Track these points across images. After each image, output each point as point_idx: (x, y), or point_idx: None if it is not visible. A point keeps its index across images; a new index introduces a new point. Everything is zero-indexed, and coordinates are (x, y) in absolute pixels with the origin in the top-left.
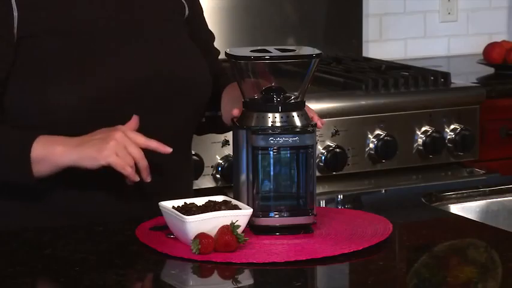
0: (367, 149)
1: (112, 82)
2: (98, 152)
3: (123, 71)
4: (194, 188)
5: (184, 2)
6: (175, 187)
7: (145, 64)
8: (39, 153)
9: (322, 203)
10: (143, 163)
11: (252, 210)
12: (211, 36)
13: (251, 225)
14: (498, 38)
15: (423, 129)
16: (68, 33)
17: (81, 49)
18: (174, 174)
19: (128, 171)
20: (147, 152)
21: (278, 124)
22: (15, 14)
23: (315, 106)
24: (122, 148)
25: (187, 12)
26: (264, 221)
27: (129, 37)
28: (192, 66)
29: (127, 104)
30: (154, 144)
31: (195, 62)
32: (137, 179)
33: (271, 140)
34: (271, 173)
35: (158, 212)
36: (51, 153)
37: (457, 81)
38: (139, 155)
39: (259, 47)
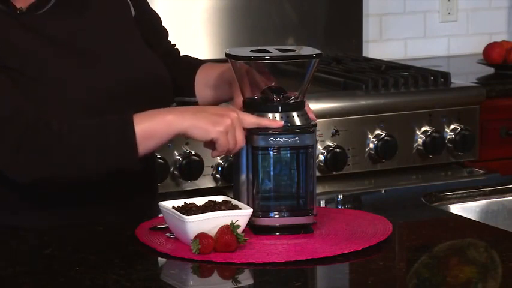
0: (367, 149)
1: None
2: (213, 125)
3: (104, 77)
4: (194, 188)
5: (129, 1)
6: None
7: (124, 69)
8: (146, 128)
9: (322, 203)
10: (241, 147)
11: (252, 210)
12: (157, 18)
13: (251, 225)
14: (498, 38)
15: (423, 129)
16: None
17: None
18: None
19: (222, 154)
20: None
21: None
22: None
23: (315, 106)
24: (233, 129)
25: (133, 12)
26: (264, 221)
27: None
28: (157, 67)
29: (106, 109)
30: (265, 122)
31: (159, 62)
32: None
33: (271, 140)
34: (271, 173)
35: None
36: (161, 123)
37: (457, 81)
38: (242, 141)
39: (259, 47)
